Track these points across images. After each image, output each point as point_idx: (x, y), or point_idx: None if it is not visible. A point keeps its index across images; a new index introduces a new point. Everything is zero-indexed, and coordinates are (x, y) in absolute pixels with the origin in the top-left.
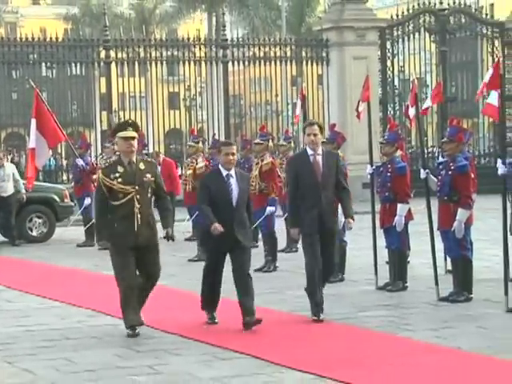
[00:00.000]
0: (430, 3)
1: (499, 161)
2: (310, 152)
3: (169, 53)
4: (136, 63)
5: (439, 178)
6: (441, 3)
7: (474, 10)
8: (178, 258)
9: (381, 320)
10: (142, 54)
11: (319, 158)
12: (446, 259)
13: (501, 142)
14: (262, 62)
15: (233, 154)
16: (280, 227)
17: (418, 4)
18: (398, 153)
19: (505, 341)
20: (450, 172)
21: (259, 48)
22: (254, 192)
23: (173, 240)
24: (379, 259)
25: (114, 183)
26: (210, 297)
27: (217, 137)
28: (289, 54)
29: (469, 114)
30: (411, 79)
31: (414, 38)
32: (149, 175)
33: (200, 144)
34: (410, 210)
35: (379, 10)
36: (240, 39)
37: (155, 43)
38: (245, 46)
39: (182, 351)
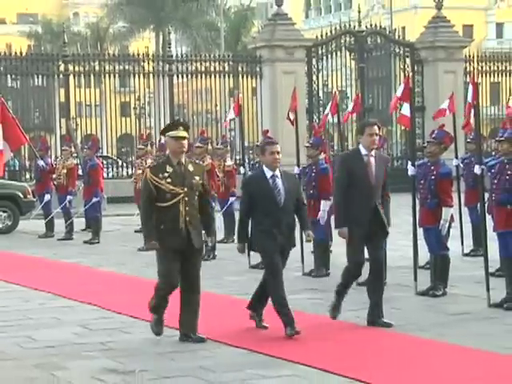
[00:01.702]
0: (349, 25)
1: (409, 163)
2: (363, 152)
3: (121, 67)
4: (92, 76)
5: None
6: (359, 25)
7: (388, 32)
8: (128, 247)
9: (308, 302)
10: (97, 68)
11: (372, 160)
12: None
13: (411, 147)
14: (204, 75)
15: (278, 153)
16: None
17: (340, 26)
18: (322, 155)
19: (414, 320)
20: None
21: (201, 63)
22: None
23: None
24: (306, 249)
25: (163, 183)
26: (263, 297)
27: (163, 141)
28: (227, 68)
29: (384, 123)
30: (333, 91)
31: (336, 55)
32: (197, 178)
33: (149, 147)
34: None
35: (306, 31)
36: (184, 55)
37: (109, 58)
38: (188, 61)
39: (131, 330)
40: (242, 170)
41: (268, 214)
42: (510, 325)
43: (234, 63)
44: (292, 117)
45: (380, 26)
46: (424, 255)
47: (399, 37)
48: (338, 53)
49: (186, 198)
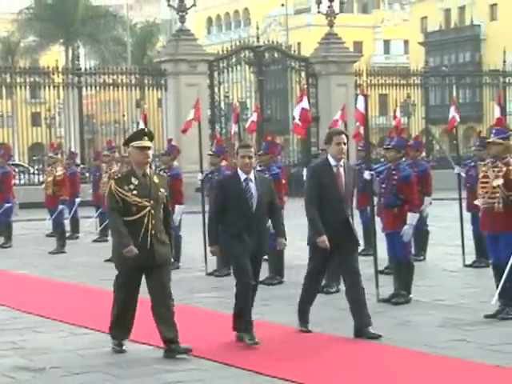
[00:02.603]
0: (248, 41)
1: (304, 169)
2: (333, 163)
3: (32, 79)
4: (3, 87)
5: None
6: (258, 41)
7: (284, 48)
8: (39, 250)
9: (211, 300)
10: (8, 80)
11: (342, 170)
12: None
13: (307, 155)
14: (111, 87)
15: (250, 158)
16: None
17: (239, 41)
18: (224, 163)
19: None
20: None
21: (108, 76)
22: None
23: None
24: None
25: (129, 195)
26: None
27: (73, 149)
28: (133, 81)
29: (281, 132)
30: (236, 103)
31: (236, 69)
32: (163, 190)
33: (59, 155)
34: None
35: (208, 46)
36: (92, 68)
37: (20, 71)
38: (96, 74)
39: (43, 329)
40: (199, 176)
41: (239, 217)
42: (397, 318)
43: (140, 76)
44: (188, 127)
45: (277, 42)
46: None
47: (295, 52)
48: (238, 66)
49: (153, 211)
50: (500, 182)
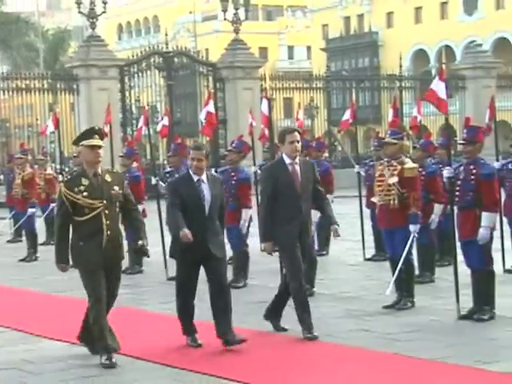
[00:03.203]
0: (158, 47)
1: (213, 170)
2: (287, 161)
3: None
4: None
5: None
6: (167, 47)
7: (192, 53)
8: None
9: (124, 297)
10: None
11: (297, 168)
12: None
13: (215, 156)
14: (24, 92)
15: (200, 160)
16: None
17: (149, 47)
18: (135, 164)
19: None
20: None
21: (21, 81)
22: (17, 197)
23: (146, 254)
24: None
25: (79, 197)
26: (185, 314)
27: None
28: (46, 85)
29: (191, 134)
30: (146, 107)
31: (146, 74)
32: (116, 188)
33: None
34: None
35: (119, 51)
36: (5, 73)
37: None
38: (9, 78)
39: None
40: (153, 180)
41: (193, 219)
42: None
43: (52, 81)
44: (105, 129)
45: (185, 48)
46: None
47: (203, 57)
48: (148, 71)
49: (106, 211)
50: (395, 180)
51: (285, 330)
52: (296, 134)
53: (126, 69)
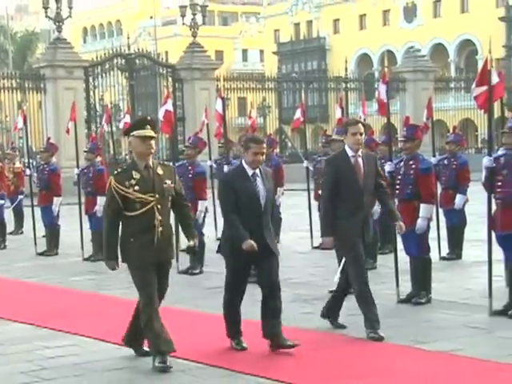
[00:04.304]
0: (121, 49)
1: (171, 163)
2: (350, 153)
3: None
4: None
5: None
6: (129, 49)
7: (153, 55)
8: None
9: (87, 283)
10: None
11: (360, 161)
12: None
13: (174, 153)
14: None
15: (262, 154)
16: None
17: (112, 49)
18: (98, 158)
19: (176, 294)
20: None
21: None
22: None
23: (194, 254)
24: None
25: (130, 191)
26: (231, 316)
27: None
28: (15, 85)
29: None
30: (108, 105)
31: (110, 74)
32: (168, 181)
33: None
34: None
35: (84, 53)
36: None
37: None
38: None
39: None
40: (76, 170)
41: (249, 216)
42: (254, 295)
43: (21, 80)
44: (71, 126)
45: (146, 51)
46: None
47: (163, 59)
48: (112, 72)
49: (159, 206)
50: None
51: (344, 327)
52: (360, 125)
53: (91, 69)
